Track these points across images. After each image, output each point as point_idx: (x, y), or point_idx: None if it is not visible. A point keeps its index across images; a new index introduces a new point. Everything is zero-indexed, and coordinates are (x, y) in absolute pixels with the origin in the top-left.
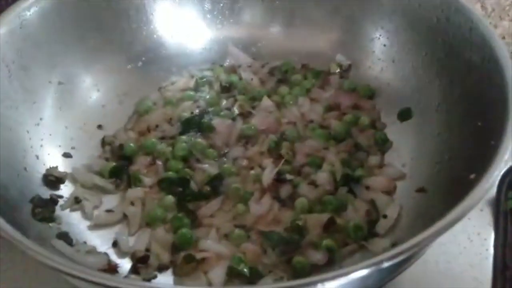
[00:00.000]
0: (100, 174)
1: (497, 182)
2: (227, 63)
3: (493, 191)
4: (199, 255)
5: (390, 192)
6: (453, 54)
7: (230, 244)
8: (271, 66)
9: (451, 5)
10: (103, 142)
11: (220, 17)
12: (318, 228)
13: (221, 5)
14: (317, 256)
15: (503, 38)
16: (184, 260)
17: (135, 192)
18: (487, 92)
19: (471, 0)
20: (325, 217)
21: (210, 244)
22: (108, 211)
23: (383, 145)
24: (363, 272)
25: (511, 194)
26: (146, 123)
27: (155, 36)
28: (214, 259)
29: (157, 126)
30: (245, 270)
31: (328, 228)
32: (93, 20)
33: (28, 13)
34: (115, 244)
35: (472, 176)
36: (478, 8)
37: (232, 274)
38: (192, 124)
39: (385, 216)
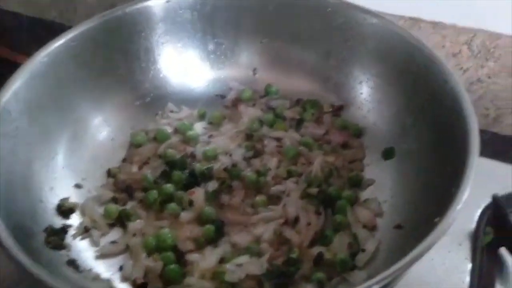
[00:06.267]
0: (107, 214)
1: (476, 218)
2: (228, 97)
3: (472, 226)
4: None
5: (371, 227)
6: (432, 101)
7: (216, 281)
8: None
9: (426, 56)
10: (109, 174)
11: (222, 57)
12: (310, 261)
13: (223, 46)
14: None
15: (489, 77)
16: None
17: (135, 225)
18: (456, 140)
19: (458, 42)
20: (315, 251)
21: (195, 280)
22: (113, 242)
23: (358, 186)
24: None
25: (488, 230)
26: (139, 156)
27: (161, 75)
28: None
29: (149, 158)
30: None
31: (318, 262)
32: (107, 62)
33: (47, 59)
34: (121, 268)
35: (437, 219)
36: (465, 49)
37: None
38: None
39: (363, 250)
